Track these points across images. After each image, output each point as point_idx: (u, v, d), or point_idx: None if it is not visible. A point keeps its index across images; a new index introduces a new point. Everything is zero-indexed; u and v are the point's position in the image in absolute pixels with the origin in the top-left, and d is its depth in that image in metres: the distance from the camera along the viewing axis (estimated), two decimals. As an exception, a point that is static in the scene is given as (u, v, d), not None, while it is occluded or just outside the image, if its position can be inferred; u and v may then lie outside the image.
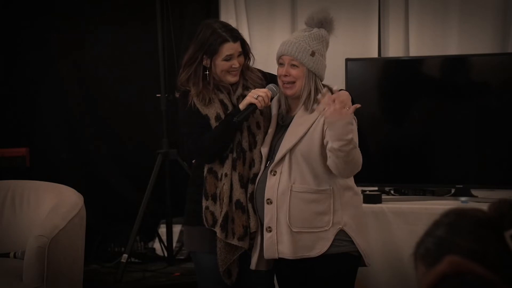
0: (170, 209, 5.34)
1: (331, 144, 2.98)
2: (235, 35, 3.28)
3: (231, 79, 3.30)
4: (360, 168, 3.08)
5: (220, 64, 3.26)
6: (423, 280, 1.47)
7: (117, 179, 5.71)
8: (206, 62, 3.29)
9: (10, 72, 5.54)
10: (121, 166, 5.71)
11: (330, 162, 3.05)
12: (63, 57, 5.62)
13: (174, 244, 5.36)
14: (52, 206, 4.12)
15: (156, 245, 5.45)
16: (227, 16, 5.40)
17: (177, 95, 3.41)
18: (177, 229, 5.45)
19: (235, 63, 3.26)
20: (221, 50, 3.24)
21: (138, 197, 5.14)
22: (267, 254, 3.18)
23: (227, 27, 3.32)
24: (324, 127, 3.10)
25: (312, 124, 3.15)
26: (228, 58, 3.25)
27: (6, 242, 4.16)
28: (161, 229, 5.44)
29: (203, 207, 3.26)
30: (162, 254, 5.37)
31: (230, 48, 3.25)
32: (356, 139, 3.07)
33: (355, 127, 3.12)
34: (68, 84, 5.66)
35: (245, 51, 3.33)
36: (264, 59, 4.99)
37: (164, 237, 5.35)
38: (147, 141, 5.54)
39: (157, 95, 5.22)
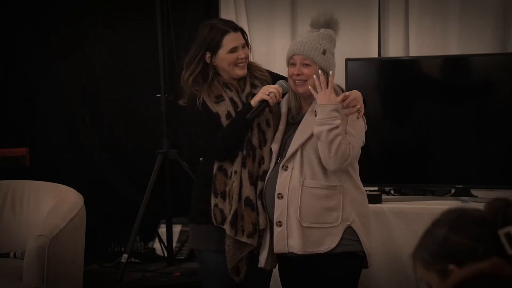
0: (170, 209, 5.34)
1: (318, 128, 3.06)
2: (234, 26, 3.33)
3: (239, 72, 3.31)
4: (348, 160, 3.08)
5: (226, 57, 3.27)
6: (455, 275, 1.48)
7: (117, 179, 5.71)
8: (208, 58, 3.30)
9: (10, 72, 5.53)
10: (121, 166, 5.71)
11: (319, 149, 3.11)
12: (63, 57, 5.61)
13: (174, 244, 5.35)
14: (52, 206, 4.12)
15: (156, 245, 5.44)
16: (227, 16, 5.39)
17: (182, 102, 3.35)
18: (177, 229, 5.45)
19: (241, 54, 3.29)
20: (224, 42, 3.27)
21: (138, 197, 5.14)
22: (277, 249, 3.18)
23: (225, 20, 3.40)
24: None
25: None
26: (234, 50, 3.28)
27: (6, 242, 4.16)
28: (161, 229, 5.43)
29: (212, 204, 3.25)
30: (162, 254, 5.37)
31: (232, 39, 3.28)
32: (356, 135, 3.13)
33: (360, 126, 3.18)
34: (68, 84, 5.66)
35: (247, 42, 3.37)
36: (264, 59, 4.99)
37: (164, 237, 5.34)
38: (147, 141, 5.53)
39: (157, 95, 5.21)
